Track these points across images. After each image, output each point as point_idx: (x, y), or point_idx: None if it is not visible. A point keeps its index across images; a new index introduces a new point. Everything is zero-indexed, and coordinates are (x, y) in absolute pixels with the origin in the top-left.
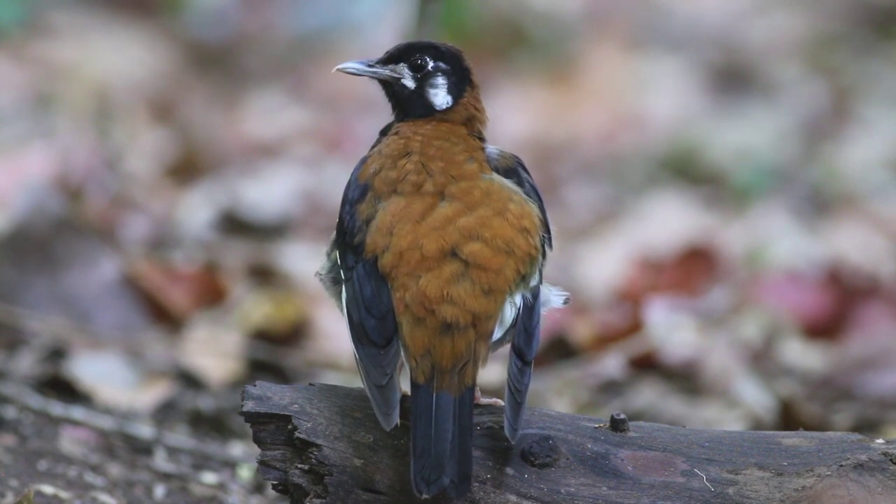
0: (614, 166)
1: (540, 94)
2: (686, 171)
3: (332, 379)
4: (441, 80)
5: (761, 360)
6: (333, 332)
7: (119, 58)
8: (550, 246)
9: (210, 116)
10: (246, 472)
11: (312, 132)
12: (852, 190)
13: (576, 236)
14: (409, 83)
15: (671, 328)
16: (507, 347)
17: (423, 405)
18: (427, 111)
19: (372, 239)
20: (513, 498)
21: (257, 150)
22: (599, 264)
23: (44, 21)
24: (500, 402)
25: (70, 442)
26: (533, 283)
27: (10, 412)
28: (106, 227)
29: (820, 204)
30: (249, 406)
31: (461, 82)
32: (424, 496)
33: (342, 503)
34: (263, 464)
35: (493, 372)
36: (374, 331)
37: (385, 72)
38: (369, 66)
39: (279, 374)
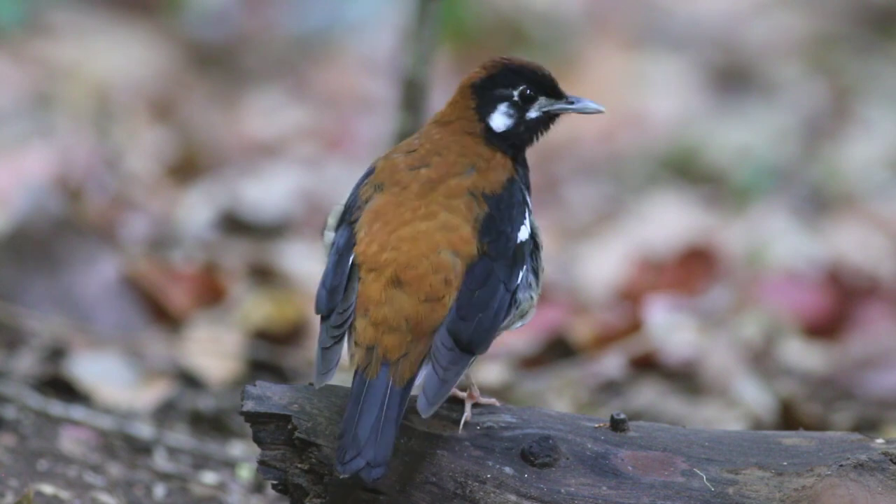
0: (614, 166)
1: None
2: (686, 170)
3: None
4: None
5: (761, 360)
6: None
7: (119, 58)
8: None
9: (210, 116)
10: (246, 472)
11: (312, 132)
12: (852, 190)
13: (576, 236)
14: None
15: (671, 328)
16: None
17: (356, 391)
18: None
19: (359, 225)
20: (513, 498)
21: (257, 149)
22: (599, 264)
23: (44, 21)
24: (498, 403)
25: (70, 442)
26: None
27: (10, 412)
28: (106, 227)
29: (820, 204)
30: (249, 406)
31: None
32: (342, 476)
33: (342, 503)
34: (263, 464)
35: (493, 372)
36: (327, 300)
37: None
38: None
39: (279, 374)
